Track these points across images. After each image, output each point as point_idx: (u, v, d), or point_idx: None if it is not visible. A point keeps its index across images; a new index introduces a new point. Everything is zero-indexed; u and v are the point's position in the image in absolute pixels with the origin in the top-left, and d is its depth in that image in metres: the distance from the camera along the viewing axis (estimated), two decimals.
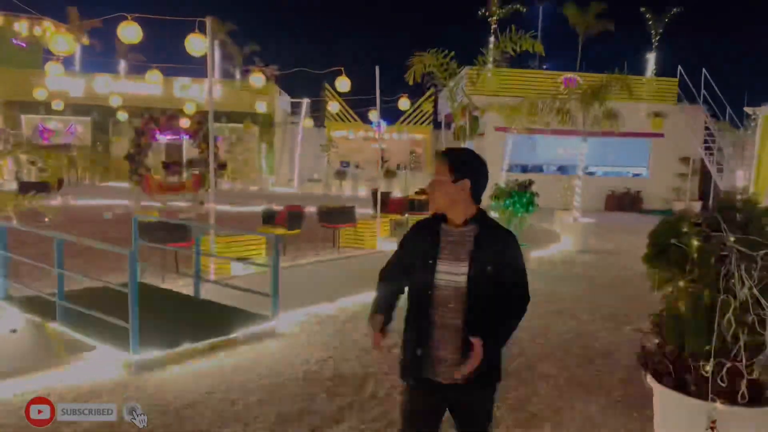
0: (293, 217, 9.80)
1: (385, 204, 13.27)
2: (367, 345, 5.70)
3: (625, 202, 21.53)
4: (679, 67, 22.12)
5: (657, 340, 3.82)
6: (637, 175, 22.99)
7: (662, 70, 23.29)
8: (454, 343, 2.35)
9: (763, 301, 3.27)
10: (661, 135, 21.84)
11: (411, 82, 7.95)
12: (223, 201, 19.37)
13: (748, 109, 15.72)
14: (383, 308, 2.55)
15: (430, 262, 2.37)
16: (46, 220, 5.28)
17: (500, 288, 2.35)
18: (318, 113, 28.26)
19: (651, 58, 23.46)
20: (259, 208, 12.87)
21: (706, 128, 20.98)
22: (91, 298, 5.83)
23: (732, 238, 3.41)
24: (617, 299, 7.97)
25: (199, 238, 6.85)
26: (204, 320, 5.89)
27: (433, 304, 2.37)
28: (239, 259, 8.09)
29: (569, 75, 21.49)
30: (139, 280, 5.08)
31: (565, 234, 12.62)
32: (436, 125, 27.68)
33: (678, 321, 3.58)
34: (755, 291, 3.30)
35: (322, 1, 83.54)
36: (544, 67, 24.16)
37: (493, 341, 2.31)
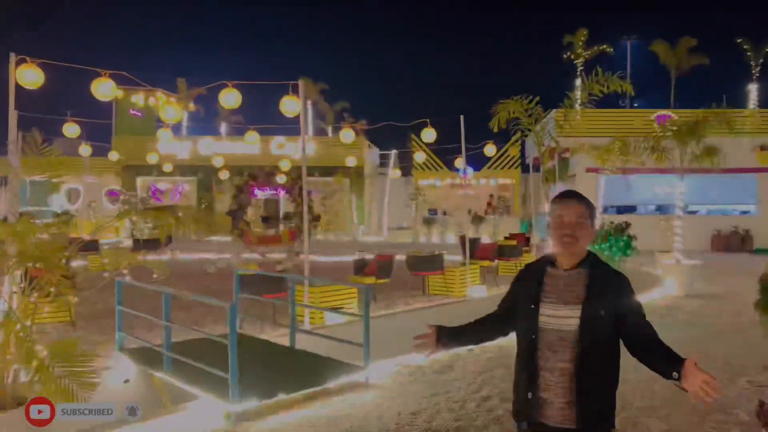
0: (383, 266, 9.97)
1: (474, 250, 13.17)
2: (460, 398, 5.63)
3: (732, 241, 20.05)
4: None
5: None
6: (745, 212, 21.43)
7: (766, 101, 21.92)
8: (563, 387, 2.31)
9: None
10: None
11: (496, 130, 8.01)
12: (317, 252, 20.06)
13: None
14: (457, 325, 2.69)
15: (533, 306, 2.37)
16: (155, 276, 5.72)
17: (631, 333, 2.35)
18: (406, 163, 28.85)
19: (752, 89, 22.13)
20: (351, 258, 13.19)
21: None
22: (196, 349, 6.17)
23: None
24: (730, 348, 7.39)
25: (293, 289, 7.11)
26: (299, 370, 6.06)
27: (538, 347, 2.35)
28: (332, 309, 8.30)
29: (662, 112, 20.67)
30: (238, 331, 5.34)
31: (668, 277, 11.92)
32: (524, 169, 27.38)
33: None
34: None
35: (408, 55, 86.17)
36: (635, 105, 23.43)
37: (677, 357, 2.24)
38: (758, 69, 21.93)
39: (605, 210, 20.39)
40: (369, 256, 11.24)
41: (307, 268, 8.11)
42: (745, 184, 20.84)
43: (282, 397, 5.36)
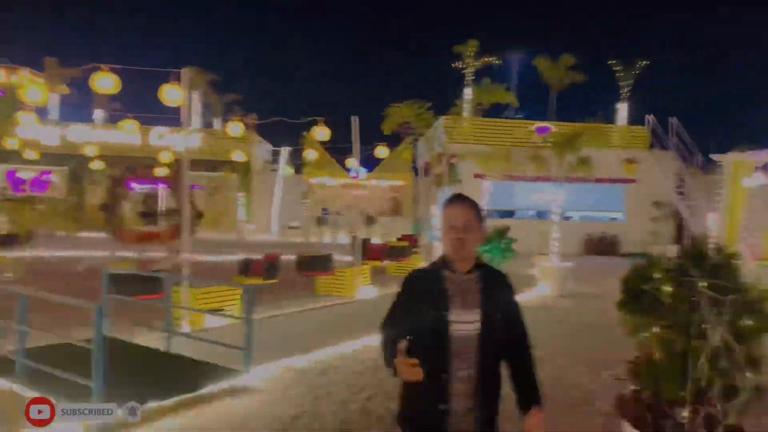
0: (270, 266, 9.69)
1: (365, 251, 13.20)
2: (342, 399, 5.54)
3: (602, 245, 21.75)
4: (650, 116, 22.92)
5: (634, 387, 3.77)
6: (613, 219, 23.32)
7: (633, 119, 24.07)
8: (467, 394, 2.32)
9: (734, 345, 3.25)
10: (634, 181, 22.33)
11: (388, 132, 8.04)
12: (200, 251, 19.18)
13: (714, 157, 16.14)
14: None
15: (444, 312, 2.30)
16: (7, 275, 5.09)
17: (509, 334, 2.41)
18: (298, 161, 28.42)
19: (622, 107, 24.22)
20: (237, 258, 12.72)
21: (678, 173, 21.53)
22: (56, 356, 5.61)
23: (702, 284, 3.41)
24: (596, 344, 7.90)
25: (169, 290, 6.68)
26: (172, 376, 5.69)
27: (450, 355, 2.30)
28: (213, 311, 7.91)
29: (543, 124, 21.98)
30: (107, 335, 4.91)
31: (544, 279, 12.63)
32: (416, 172, 27.99)
33: (653, 367, 3.55)
34: (726, 335, 3.29)
35: (302, 53, 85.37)
36: (519, 116, 24.71)
37: (534, 400, 2.41)
38: (627, 89, 24.06)
39: (489, 215, 21.33)
40: (256, 256, 10.89)
41: (186, 267, 7.67)
42: (614, 194, 22.71)
43: (152, 405, 4.99)
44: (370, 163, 26.26)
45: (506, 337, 2.38)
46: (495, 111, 24.05)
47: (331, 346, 7.42)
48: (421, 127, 8.38)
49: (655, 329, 3.53)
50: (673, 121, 22.02)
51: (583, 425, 5.01)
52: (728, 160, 14.85)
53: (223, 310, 8.55)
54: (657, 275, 3.60)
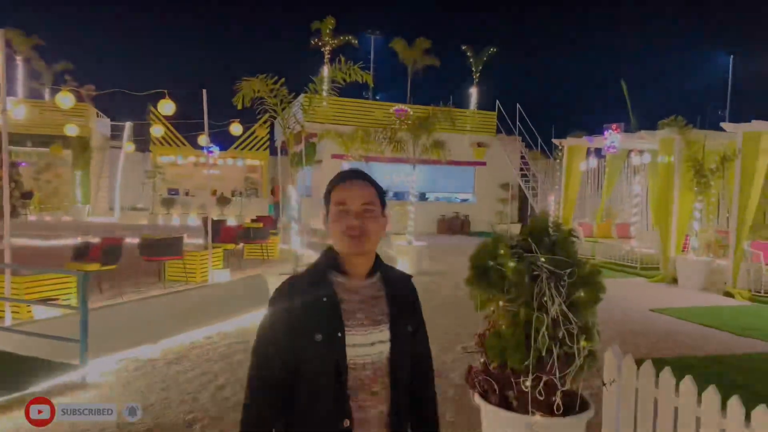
0: (109, 250, 8.88)
1: (218, 233, 12.64)
2: (193, 389, 5.24)
3: (454, 225, 22.93)
4: (497, 102, 24.35)
5: (483, 359, 3.94)
6: (464, 200, 24.65)
7: (483, 104, 25.49)
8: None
9: (571, 316, 3.51)
10: (483, 163, 23.74)
11: (240, 107, 7.63)
12: (29, 235, 17.20)
13: (555, 141, 17.64)
14: None
15: (339, 335, 1.64)
16: None
17: (413, 358, 1.82)
18: (143, 137, 26.39)
19: (473, 92, 25.53)
20: (73, 242, 11.54)
21: (522, 157, 23.24)
22: None
23: (542, 259, 3.63)
24: (448, 319, 8.28)
25: None
26: None
27: (349, 392, 1.65)
28: (41, 302, 7.08)
29: (400, 106, 22.53)
30: None
31: (401, 257, 12.99)
32: (273, 151, 27.32)
33: (499, 339, 3.72)
34: (564, 307, 3.54)
35: (143, 21, 79.38)
36: (377, 97, 25.11)
37: None
38: (478, 75, 25.38)
39: None
40: (93, 240, 9.94)
41: (7, 253, 6.77)
42: (465, 176, 23.97)
43: None
44: (225, 141, 25.20)
45: (411, 361, 1.81)
46: (354, 91, 24.28)
47: (182, 334, 7.01)
48: (277, 103, 8.08)
49: (501, 303, 3.70)
50: (519, 107, 23.68)
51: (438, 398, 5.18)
52: (565, 144, 16.30)
53: (56, 299, 7.71)
54: (502, 251, 3.77)
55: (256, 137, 26.65)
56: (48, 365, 5.25)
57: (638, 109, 20.42)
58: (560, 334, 3.52)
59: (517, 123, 23.69)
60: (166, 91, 9.99)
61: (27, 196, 22.76)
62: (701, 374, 3.14)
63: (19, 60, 25.53)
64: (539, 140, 23.38)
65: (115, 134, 26.54)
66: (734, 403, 2.82)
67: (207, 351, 6.47)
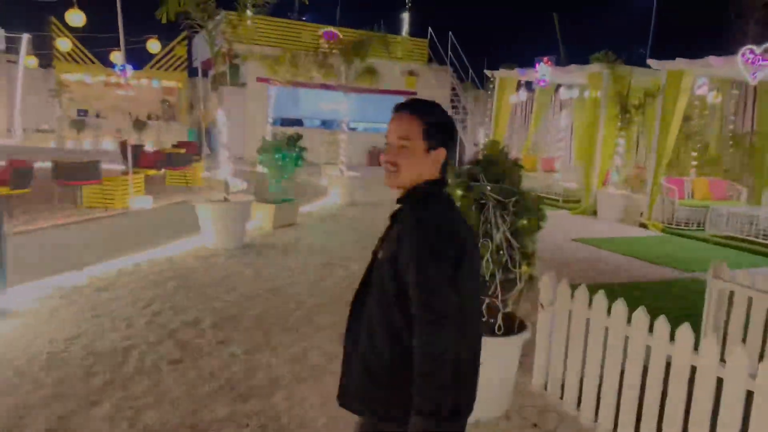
0: (20, 173, 8.26)
1: (137, 158, 12.02)
2: (127, 315, 5.10)
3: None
4: (429, 29, 23.89)
5: None
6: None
7: (415, 31, 24.89)
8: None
9: (513, 242, 3.65)
10: (414, 93, 23.53)
11: (164, 20, 7.06)
12: None
13: (487, 72, 17.70)
14: None
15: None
16: None
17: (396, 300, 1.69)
18: (45, 52, 24.06)
19: (405, 18, 24.81)
20: None
21: (452, 89, 23.19)
22: None
23: (488, 188, 3.71)
24: None
25: None
26: None
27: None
28: None
29: (329, 29, 21.71)
30: None
31: (333, 188, 12.92)
32: (191, 72, 25.79)
33: None
34: (507, 234, 3.66)
35: None
36: (303, 18, 24.04)
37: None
38: (411, 0, 24.60)
39: (274, 122, 20.82)
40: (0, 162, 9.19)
41: None
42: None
43: None
44: (139, 60, 23.52)
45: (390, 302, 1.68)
46: (280, 11, 23.12)
47: (109, 261, 6.74)
48: (202, 19, 7.52)
49: None
50: (450, 35, 23.40)
51: None
52: (497, 76, 16.40)
53: None
54: (450, 181, 3.81)
55: (173, 56, 24.97)
56: None
57: (568, 43, 20.75)
58: (503, 260, 3.67)
59: (449, 52, 23.48)
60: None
61: None
62: (621, 299, 3.38)
63: None
64: (470, 71, 23.35)
65: (11, 47, 24.01)
66: (660, 322, 3.06)
67: (137, 278, 6.27)
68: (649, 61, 11.80)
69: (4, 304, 5.05)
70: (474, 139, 20.85)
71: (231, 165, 8.44)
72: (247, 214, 8.40)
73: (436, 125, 1.76)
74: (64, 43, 18.55)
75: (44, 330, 4.68)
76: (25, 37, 23.22)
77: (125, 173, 10.53)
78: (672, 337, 3.03)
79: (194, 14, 7.55)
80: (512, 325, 3.76)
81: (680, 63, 10.72)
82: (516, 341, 3.74)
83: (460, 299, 1.60)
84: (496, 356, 3.68)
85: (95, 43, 22.67)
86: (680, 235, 10.58)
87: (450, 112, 22.79)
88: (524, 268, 3.69)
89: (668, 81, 10.92)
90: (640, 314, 3.21)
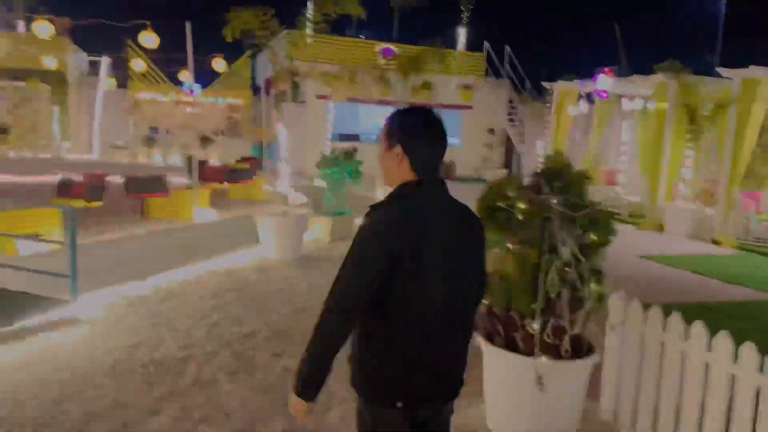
0: (93, 187, 8.63)
1: (202, 172, 12.38)
2: (186, 326, 5.16)
3: (441, 170, 22.64)
4: (486, 43, 23.68)
5: (486, 302, 3.90)
6: (450, 145, 24.27)
7: (471, 45, 24.73)
8: None
9: (582, 259, 3.45)
10: (470, 107, 23.32)
11: (230, 39, 7.25)
12: (7, 171, 16.71)
13: (545, 84, 17.32)
14: None
15: None
16: None
17: None
18: (122, 71, 25.35)
19: (461, 32, 24.68)
20: (54, 178, 11.17)
21: (509, 101, 22.84)
22: None
23: (554, 201, 3.53)
24: None
25: None
26: None
27: None
28: (26, 237, 6.88)
29: (387, 46, 21.89)
30: None
31: None
32: (255, 90, 26.52)
33: (506, 282, 3.67)
34: (575, 250, 3.47)
35: None
36: (361, 36, 24.33)
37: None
38: (468, 15, 24.49)
39: (334, 137, 21.07)
40: (77, 176, 9.64)
41: None
42: (452, 120, 23.46)
43: None
44: (204, 78, 24.40)
45: None
46: (338, 29, 23.48)
47: (171, 271, 6.90)
48: (265, 37, 7.66)
49: (509, 245, 3.62)
50: (507, 49, 23.10)
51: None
52: (556, 88, 16.01)
53: (40, 235, 7.50)
54: (512, 193, 3.66)
55: (237, 74, 25.73)
56: (38, 301, 5.13)
57: (631, 53, 20.07)
58: (571, 278, 3.47)
59: (506, 65, 23.16)
60: (147, 22, 9.49)
61: (2, 131, 22.01)
62: (700, 321, 3.11)
63: None
64: (527, 84, 22.92)
65: (92, 70, 25.48)
66: (748, 349, 2.79)
67: (198, 289, 6.37)
68: (720, 70, 11.24)
69: (75, 312, 5.21)
70: (531, 152, 20.39)
71: (291, 179, 8.55)
72: (305, 226, 8.45)
73: (396, 125, 1.89)
74: (139, 65, 19.50)
75: (109, 338, 4.79)
76: (105, 60, 24.57)
77: (190, 187, 10.85)
78: (761, 368, 2.75)
79: (258, 33, 7.72)
80: (580, 348, 3.55)
81: (755, 71, 10.12)
82: (584, 365, 3.51)
83: (359, 295, 1.77)
84: (563, 381, 3.47)
85: (166, 63, 23.71)
86: (757, 252, 9.91)
87: (507, 125, 22.40)
88: (593, 286, 3.48)
89: (742, 90, 10.33)
90: (723, 339, 2.94)
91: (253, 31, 7.76)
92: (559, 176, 3.71)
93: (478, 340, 3.73)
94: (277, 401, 3.80)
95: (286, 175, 8.40)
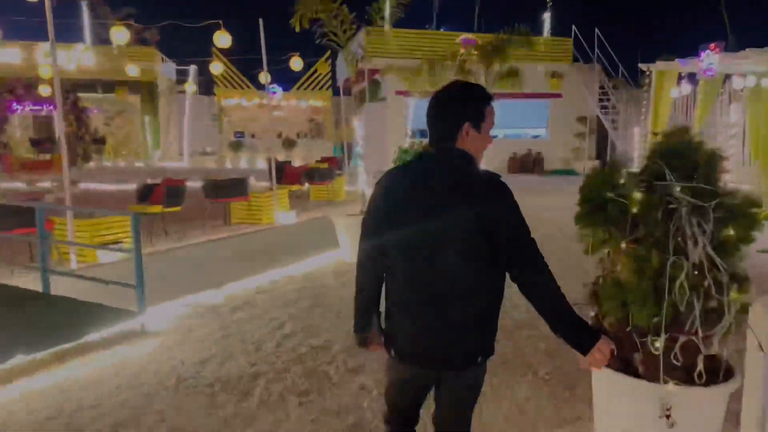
0: (172, 192, 8.60)
1: (282, 174, 12.26)
2: (257, 338, 4.82)
3: (526, 163, 21.62)
4: (573, 27, 22.32)
5: (594, 313, 3.24)
6: (536, 136, 23.12)
7: (557, 30, 23.39)
8: None
9: (718, 260, 2.73)
10: (559, 95, 22.04)
11: (298, 28, 6.92)
12: (103, 180, 17.53)
13: (642, 66, 15.91)
14: None
15: None
16: None
17: None
18: (206, 78, 26.12)
19: (546, 17, 23.41)
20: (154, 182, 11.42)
21: (601, 87, 21.37)
22: None
23: (678, 188, 2.83)
24: None
25: (41, 221, 5.58)
26: (50, 322, 4.75)
27: None
28: (103, 246, 6.86)
29: (467, 36, 21.07)
30: None
31: None
32: (336, 91, 26.50)
33: (619, 289, 2.99)
34: (710, 250, 2.75)
35: None
36: (441, 28, 23.65)
37: None
38: None
39: (414, 135, 20.57)
40: (156, 181, 9.71)
41: (68, 195, 6.52)
42: (539, 109, 22.28)
43: (20, 359, 4.09)
44: (287, 81, 24.69)
45: None
46: (418, 23, 22.98)
47: (247, 279, 6.65)
48: (337, 25, 7.21)
49: (623, 245, 2.94)
50: (597, 32, 21.64)
51: (528, 352, 4.53)
52: (654, 69, 14.65)
53: (122, 242, 7.51)
54: (623, 181, 2.99)
55: (318, 75, 25.81)
56: (105, 312, 4.96)
57: (736, 28, 18.14)
58: (705, 284, 2.75)
59: (596, 50, 21.65)
60: (220, 21, 9.39)
61: (99, 141, 23.23)
62: None
63: (84, 6, 25.57)
64: (620, 68, 21.32)
65: (181, 79, 26.45)
66: None
67: (273, 296, 6.07)
68: None
69: (145, 323, 5.01)
70: (625, 140, 18.90)
71: (370, 177, 8.14)
72: None
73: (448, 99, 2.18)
74: (217, 67, 19.83)
75: (176, 353, 4.52)
76: (192, 68, 25.42)
77: (271, 189, 10.69)
78: None
79: (327, 24, 7.33)
80: (716, 371, 2.82)
81: None
82: (721, 392, 2.78)
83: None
84: (696, 412, 2.77)
85: (248, 66, 24.13)
86: None
87: (599, 112, 20.96)
88: (734, 294, 2.74)
89: None
90: None
91: (322, 19, 7.37)
92: (682, 157, 2.99)
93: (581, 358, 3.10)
94: (352, 428, 3.34)
95: (363, 173, 7.99)
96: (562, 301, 2.11)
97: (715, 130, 16.01)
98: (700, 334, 2.73)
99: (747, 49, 11.97)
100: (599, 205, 3.04)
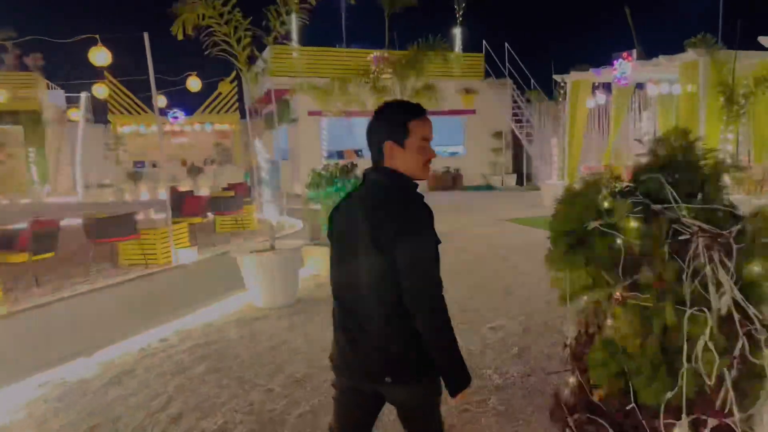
0: (42, 236, 7.16)
1: (182, 205, 10.95)
2: (136, 423, 3.67)
3: (446, 181, 21.20)
4: (484, 42, 22.31)
5: (575, 380, 2.42)
6: (454, 153, 22.81)
7: (468, 46, 23.25)
8: None
9: (752, 310, 1.97)
10: (473, 111, 21.89)
11: (180, 36, 5.85)
12: None
13: (557, 77, 15.89)
14: None
15: None
16: None
17: None
18: (102, 105, 23.98)
19: (457, 33, 23.17)
20: (19, 226, 9.73)
21: (514, 101, 21.39)
22: None
23: (684, 211, 2.07)
24: (462, 291, 6.73)
25: None
26: None
27: None
28: None
29: (378, 53, 20.53)
30: None
31: None
32: (243, 114, 25.11)
33: (614, 353, 2.18)
34: (737, 294, 1.99)
35: None
36: (351, 46, 23.03)
37: None
38: (461, 14, 22.94)
39: (331, 155, 19.65)
40: (20, 225, 8.14)
41: None
42: (454, 126, 21.98)
43: None
44: (190, 104, 23.13)
45: None
46: (328, 42, 22.20)
47: (130, 339, 5.43)
48: (229, 33, 6.16)
49: (618, 293, 2.14)
50: (507, 46, 21.69)
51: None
52: (569, 80, 14.59)
53: None
54: (609, 204, 2.20)
55: (223, 98, 24.33)
56: None
57: (643, 36, 18.68)
58: (738, 344, 1.98)
59: (507, 64, 21.73)
60: (97, 36, 8.08)
61: None
62: None
63: None
64: (531, 81, 21.42)
65: (73, 106, 24.11)
66: None
67: (161, 361, 4.90)
68: (761, 39, 9.86)
69: None
70: (542, 152, 18.88)
71: (280, 205, 7.18)
72: (298, 262, 6.99)
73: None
74: (100, 90, 17.97)
75: None
76: (84, 95, 23.20)
77: (168, 224, 9.37)
78: None
79: (217, 30, 6.29)
80: None
81: None
82: None
83: None
84: None
85: (144, 89, 22.28)
86: None
87: (514, 126, 20.98)
88: None
89: None
90: None
91: (211, 27, 6.31)
92: (682, 168, 2.23)
93: None
94: None
95: (270, 200, 6.98)
96: (445, 334, 1.93)
97: (629, 138, 16.19)
98: (737, 415, 1.96)
99: (660, 56, 12.05)
100: (581, 238, 2.24)
